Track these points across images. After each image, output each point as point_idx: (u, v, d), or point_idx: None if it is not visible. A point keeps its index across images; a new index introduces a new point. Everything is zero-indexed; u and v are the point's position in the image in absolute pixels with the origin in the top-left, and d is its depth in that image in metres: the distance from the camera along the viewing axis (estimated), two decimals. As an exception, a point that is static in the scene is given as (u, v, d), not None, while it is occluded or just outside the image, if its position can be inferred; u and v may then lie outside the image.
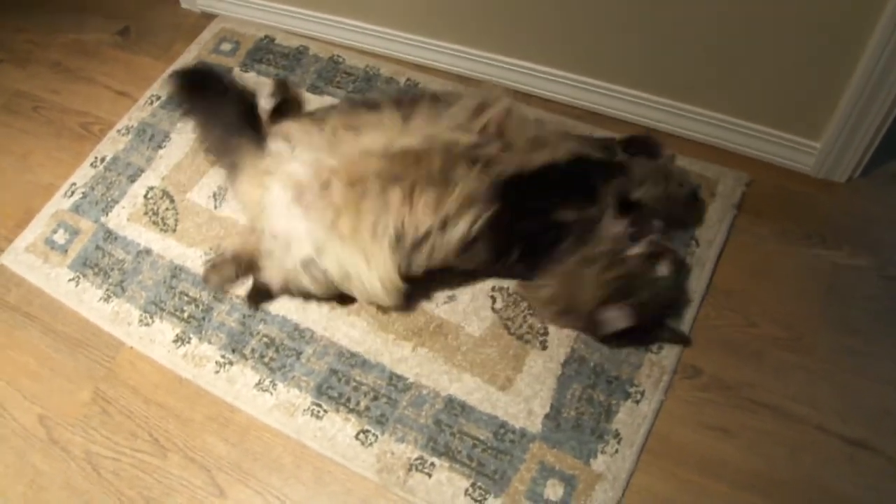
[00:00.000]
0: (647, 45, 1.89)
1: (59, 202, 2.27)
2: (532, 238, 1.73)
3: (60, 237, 2.19)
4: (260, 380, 1.87)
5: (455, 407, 1.77)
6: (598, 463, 1.65)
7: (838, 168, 1.90)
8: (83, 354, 1.98)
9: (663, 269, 1.69)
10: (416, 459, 1.72)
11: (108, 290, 2.07)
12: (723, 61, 1.82)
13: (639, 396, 1.72)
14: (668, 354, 1.76)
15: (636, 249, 1.67)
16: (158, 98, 2.45)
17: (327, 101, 2.32)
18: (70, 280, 2.11)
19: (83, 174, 2.32)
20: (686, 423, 1.66)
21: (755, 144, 1.98)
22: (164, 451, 1.79)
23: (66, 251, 2.16)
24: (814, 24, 1.62)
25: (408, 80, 2.36)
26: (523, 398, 1.76)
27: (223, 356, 1.92)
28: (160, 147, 2.32)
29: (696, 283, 1.84)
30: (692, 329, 1.76)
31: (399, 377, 1.82)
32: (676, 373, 1.72)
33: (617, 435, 1.68)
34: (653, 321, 1.71)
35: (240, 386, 1.87)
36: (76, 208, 2.24)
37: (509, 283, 1.90)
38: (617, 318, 1.67)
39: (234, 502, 1.71)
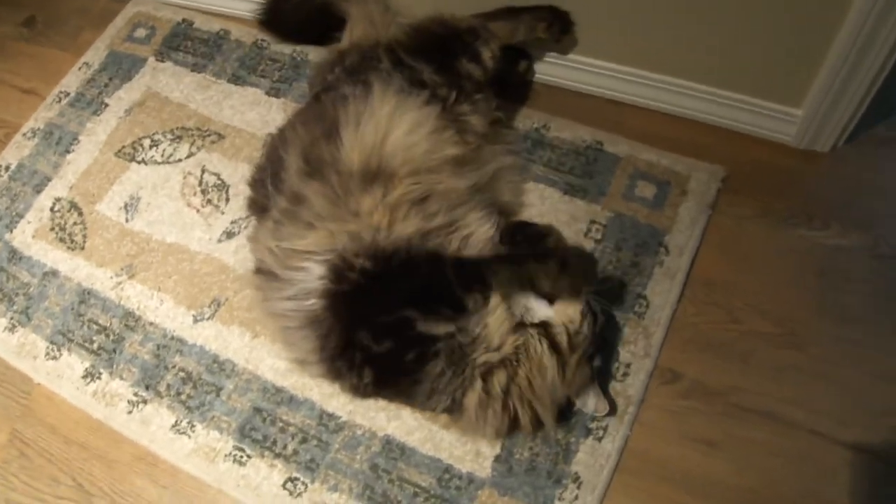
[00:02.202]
0: (613, 9, 1.70)
1: (-39, 219, 2.03)
2: (387, 358, 1.40)
3: (-38, 259, 1.96)
4: (177, 420, 1.66)
5: (394, 449, 1.56)
6: (555, 512, 1.43)
7: (821, 136, 1.72)
8: (-4, 392, 1.78)
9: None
10: (350, 514, 1.50)
11: (12, 318, 1.87)
12: (693, 23, 1.62)
13: (601, 433, 1.50)
14: (633, 382, 1.53)
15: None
16: (67, 95, 2.20)
17: (250, 92, 2.05)
18: (-27, 309, 1.89)
19: (-14, 186, 2.08)
20: (667, 435, 1.49)
21: (731, 114, 1.78)
22: (90, 497, 1.63)
23: (-31, 276, 1.93)
24: None
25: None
26: (469, 437, 1.53)
27: (136, 394, 1.72)
28: (68, 151, 2.09)
29: (668, 295, 1.63)
30: (669, 326, 1.59)
31: (330, 415, 1.61)
32: (653, 378, 1.55)
33: (577, 478, 1.47)
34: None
35: (155, 428, 1.67)
36: (-21, 226, 2.01)
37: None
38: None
39: None
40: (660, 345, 1.58)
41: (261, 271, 1.54)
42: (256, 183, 1.68)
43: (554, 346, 1.39)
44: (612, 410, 1.50)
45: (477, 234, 1.47)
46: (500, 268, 1.41)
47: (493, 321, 1.38)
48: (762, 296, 1.61)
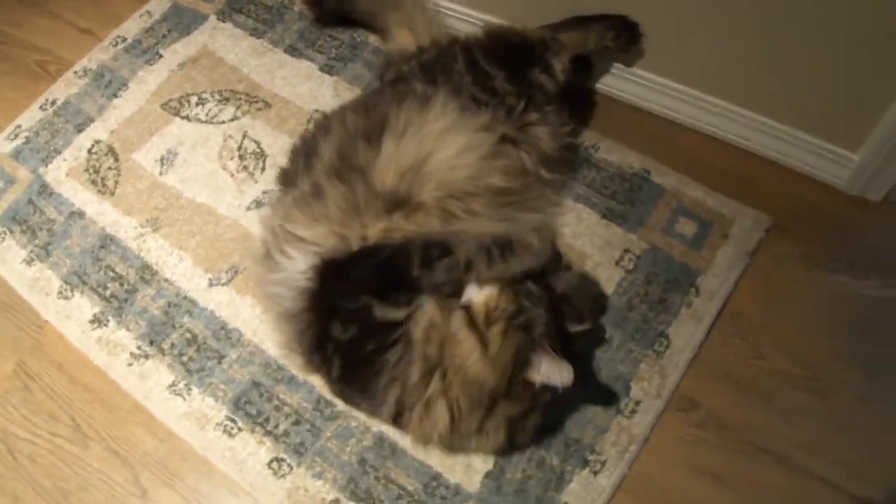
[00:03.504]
0: (684, 26, 1.67)
1: (1, 145, 2.05)
2: (352, 347, 1.38)
3: (-5, 185, 1.96)
4: (174, 381, 1.64)
5: (385, 447, 1.52)
6: (539, 541, 1.38)
7: (875, 184, 1.67)
8: (10, 321, 1.78)
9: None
10: (332, 502, 1.48)
11: (32, 251, 1.86)
12: (763, 53, 1.60)
13: (598, 466, 1.45)
14: (639, 421, 1.47)
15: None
16: (124, 40, 2.20)
17: (304, 66, 2.03)
18: (-5, 235, 1.89)
19: (30, 116, 2.10)
20: (675, 464, 1.45)
21: (786, 150, 1.75)
22: (86, 439, 1.61)
23: (-2, 201, 1.93)
24: (867, 27, 1.42)
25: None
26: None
27: (139, 347, 1.70)
28: (115, 96, 2.08)
29: (691, 338, 1.58)
30: (697, 355, 1.55)
31: (328, 403, 1.58)
32: (671, 404, 1.51)
33: (565, 510, 1.41)
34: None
35: (152, 384, 1.65)
36: (16, 154, 2.02)
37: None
38: (557, 369, 1.31)
39: None
40: (674, 388, 1.52)
41: (263, 246, 1.53)
42: (293, 157, 1.65)
43: (471, 324, 1.32)
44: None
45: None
46: (469, 243, 1.37)
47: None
48: (791, 337, 1.57)
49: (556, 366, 1.30)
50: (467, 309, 1.33)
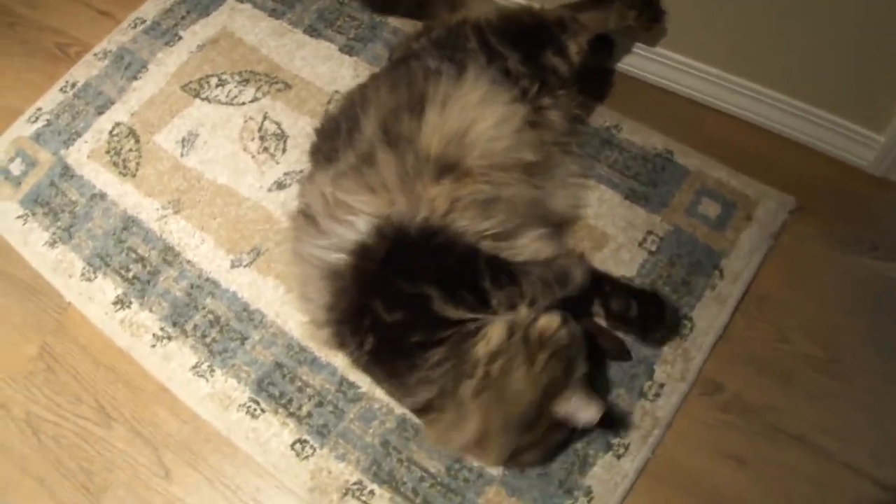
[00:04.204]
0: (707, 9, 1.65)
1: (22, 128, 2.06)
2: (394, 331, 1.35)
3: (16, 167, 1.98)
4: (198, 362, 1.65)
5: (408, 429, 1.52)
6: (562, 523, 1.39)
7: None
8: (33, 303, 1.79)
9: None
10: (355, 484, 1.49)
11: (54, 233, 1.87)
12: (789, 33, 1.57)
13: (622, 450, 1.45)
14: (663, 404, 1.47)
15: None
16: (143, 21, 2.19)
17: (324, 46, 2.02)
18: (18, 217, 1.92)
19: (51, 99, 2.10)
20: (699, 447, 1.45)
21: (811, 130, 1.72)
22: (110, 420, 1.62)
23: (20, 184, 1.96)
24: (894, 5, 1.38)
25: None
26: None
27: (162, 329, 1.70)
28: (135, 78, 2.08)
29: (714, 321, 1.57)
30: (721, 337, 1.54)
31: (350, 384, 1.58)
32: (694, 387, 1.50)
33: (589, 493, 1.42)
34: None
35: (175, 365, 1.66)
36: (37, 137, 2.03)
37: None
38: (585, 407, 1.31)
39: (180, 486, 1.54)
40: (698, 370, 1.51)
41: (304, 214, 1.52)
42: (326, 132, 1.65)
43: (525, 341, 1.31)
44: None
45: (525, 254, 1.43)
46: (534, 276, 1.37)
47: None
48: (815, 319, 1.55)
49: (587, 402, 1.30)
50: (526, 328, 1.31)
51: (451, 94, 1.50)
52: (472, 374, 1.29)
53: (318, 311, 1.45)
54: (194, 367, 1.64)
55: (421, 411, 1.40)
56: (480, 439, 1.32)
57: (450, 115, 1.47)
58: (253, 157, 1.89)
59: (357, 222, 1.40)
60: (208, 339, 1.67)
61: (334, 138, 1.57)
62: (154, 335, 1.69)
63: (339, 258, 1.40)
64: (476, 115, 1.48)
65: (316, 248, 1.44)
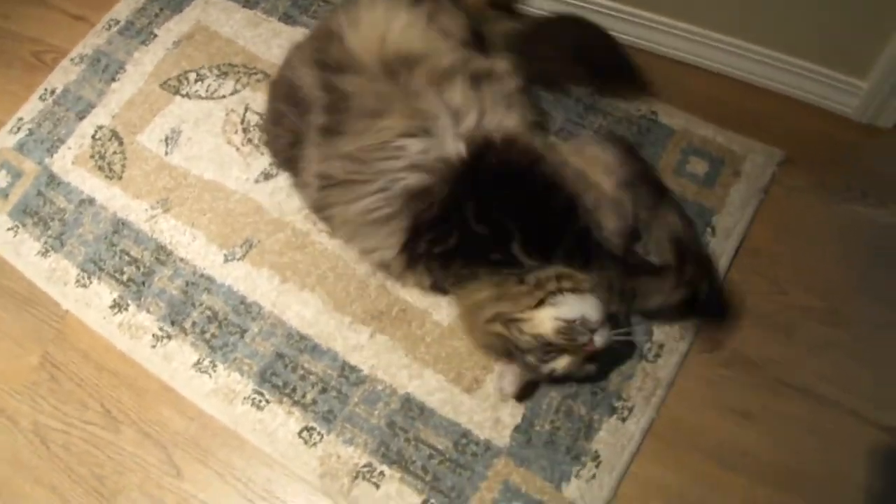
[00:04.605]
0: None
1: (4, 139, 2.05)
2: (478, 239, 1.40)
3: (2, 179, 1.98)
4: (199, 359, 1.65)
5: (413, 408, 1.53)
6: (571, 489, 1.41)
7: (885, 111, 1.64)
8: (30, 314, 1.79)
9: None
10: (364, 466, 1.50)
11: (46, 242, 1.86)
12: None
13: (626, 413, 1.45)
14: (664, 364, 1.47)
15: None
16: (117, 23, 2.18)
17: (300, 33, 2.00)
18: (9, 230, 1.91)
19: (31, 108, 2.09)
20: (703, 404, 1.46)
21: (793, 81, 1.72)
22: (117, 424, 1.63)
23: (7, 196, 1.95)
24: None
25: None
26: (491, 404, 1.50)
27: (161, 328, 1.70)
28: (113, 80, 2.07)
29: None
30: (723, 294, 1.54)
31: (353, 368, 1.58)
32: (694, 346, 1.51)
33: (596, 457, 1.43)
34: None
35: (177, 364, 1.66)
36: (21, 147, 2.02)
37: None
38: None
39: (191, 483, 1.55)
40: (696, 329, 1.52)
41: (328, 187, 1.52)
42: (274, 130, 1.68)
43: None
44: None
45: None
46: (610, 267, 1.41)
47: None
48: (810, 269, 1.56)
49: (508, 381, 1.42)
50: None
51: (355, 17, 1.56)
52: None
53: (390, 246, 1.47)
54: (196, 363, 1.65)
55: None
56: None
57: (364, 31, 1.53)
58: (237, 149, 1.89)
59: (408, 145, 1.42)
60: (208, 335, 1.67)
61: (289, 118, 1.58)
62: (153, 335, 1.70)
63: (419, 178, 1.42)
64: (385, 24, 1.54)
65: (370, 197, 1.45)
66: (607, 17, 1.84)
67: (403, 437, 1.51)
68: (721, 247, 1.58)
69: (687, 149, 1.70)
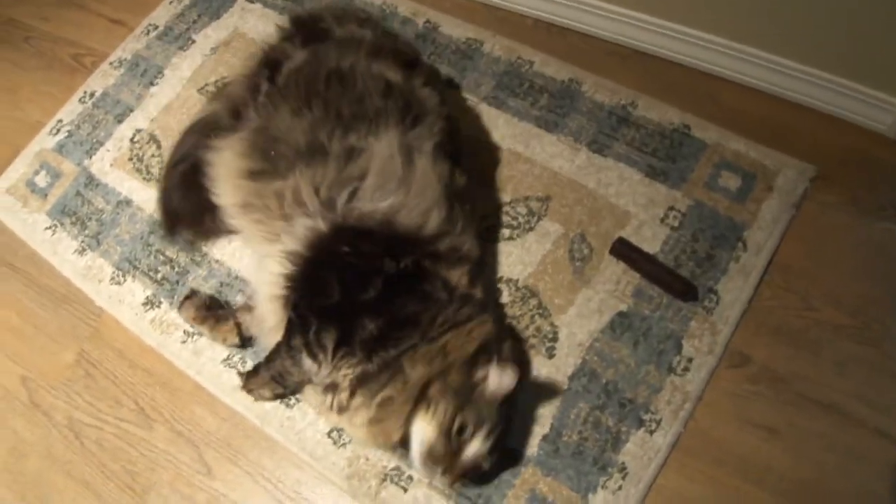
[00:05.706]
0: None
1: (44, 140, 2.09)
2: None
3: (42, 179, 2.01)
4: (229, 356, 1.68)
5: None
6: (597, 499, 1.42)
7: None
8: (68, 311, 1.83)
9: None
10: (393, 470, 1.51)
11: (83, 241, 1.90)
12: (799, 3, 1.58)
13: (654, 426, 1.46)
14: (693, 378, 1.47)
15: None
16: (156, 28, 2.21)
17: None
18: (47, 228, 1.94)
19: (70, 110, 2.13)
20: (729, 418, 1.47)
21: (828, 97, 1.73)
22: (150, 421, 1.66)
23: (46, 196, 1.99)
24: None
25: (426, 21, 2.08)
26: (520, 413, 1.50)
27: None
28: (152, 84, 2.10)
29: (740, 293, 1.58)
30: (747, 309, 1.55)
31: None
32: (723, 360, 1.52)
33: (623, 469, 1.43)
34: None
35: (205, 360, 1.68)
36: (60, 148, 2.06)
37: (518, 276, 1.65)
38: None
39: (222, 482, 1.57)
40: (725, 343, 1.53)
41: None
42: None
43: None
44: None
45: None
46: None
47: None
48: (840, 287, 1.56)
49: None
50: None
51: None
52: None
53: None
54: (225, 359, 1.67)
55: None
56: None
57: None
58: (272, 155, 1.91)
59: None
60: (239, 335, 1.69)
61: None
62: (185, 331, 1.72)
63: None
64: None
65: None
66: (646, 31, 1.85)
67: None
68: (752, 262, 1.58)
69: (720, 163, 1.71)
